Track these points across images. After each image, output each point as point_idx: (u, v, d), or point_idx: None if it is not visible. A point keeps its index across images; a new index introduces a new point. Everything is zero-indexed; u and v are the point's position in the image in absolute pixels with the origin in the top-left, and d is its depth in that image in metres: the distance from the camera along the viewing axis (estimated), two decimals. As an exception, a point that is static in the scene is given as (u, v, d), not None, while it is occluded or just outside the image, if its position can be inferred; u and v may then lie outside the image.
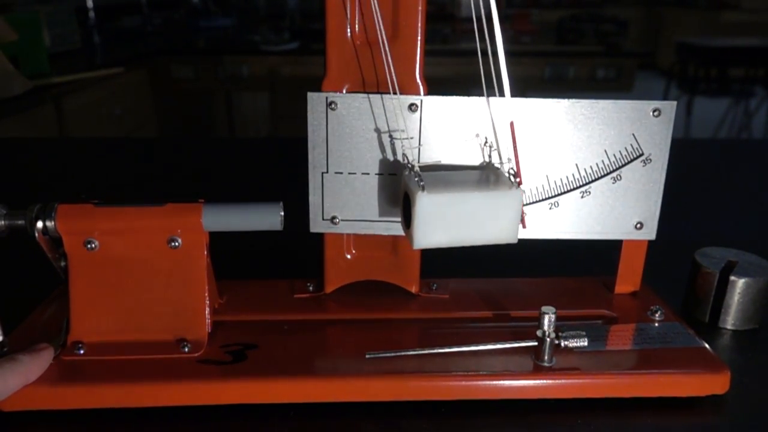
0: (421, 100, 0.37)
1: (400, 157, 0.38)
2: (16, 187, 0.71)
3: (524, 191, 0.38)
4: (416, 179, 0.33)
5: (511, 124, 0.36)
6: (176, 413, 0.33)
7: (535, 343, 0.35)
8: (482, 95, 0.37)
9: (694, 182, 0.75)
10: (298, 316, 0.40)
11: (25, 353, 0.33)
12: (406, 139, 0.37)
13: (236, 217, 0.36)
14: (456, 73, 2.19)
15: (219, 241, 0.37)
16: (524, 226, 0.39)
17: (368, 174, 0.38)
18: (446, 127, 0.37)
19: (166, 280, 0.36)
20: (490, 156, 0.37)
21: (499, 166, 0.37)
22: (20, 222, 0.35)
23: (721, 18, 4.81)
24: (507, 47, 0.34)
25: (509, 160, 0.37)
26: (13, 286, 0.48)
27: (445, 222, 0.33)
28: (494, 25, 0.33)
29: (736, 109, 3.22)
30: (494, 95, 0.36)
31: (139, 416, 0.33)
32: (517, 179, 0.37)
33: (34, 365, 0.33)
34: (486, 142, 0.37)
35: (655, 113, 0.37)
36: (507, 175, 0.35)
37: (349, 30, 0.36)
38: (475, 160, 0.38)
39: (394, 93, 0.36)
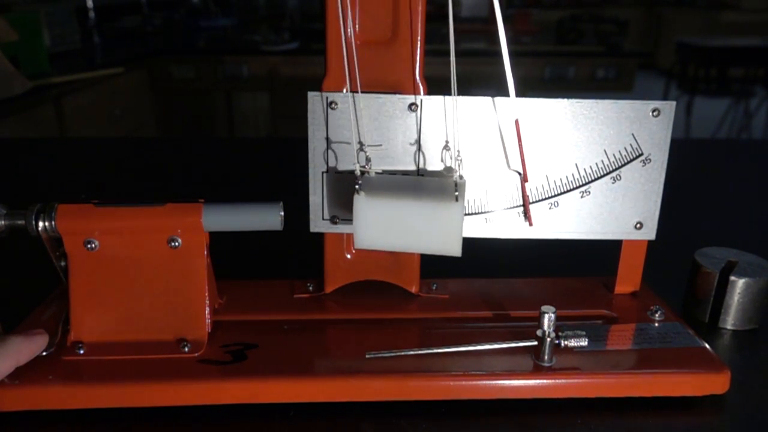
0: (421, 100, 0.37)
1: (400, 157, 0.38)
2: (16, 187, 0.71)
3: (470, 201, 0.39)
4: (358, 181, 0.34)
5: (516, 122, 0.37)
6: (176, 413, 0.33)
7: (535, 343, 0.35)
8: (482, 95, 0.37)
9: (694, 182, 0.75)
10: (298, 316, 0.40)
11: (16, 335, 0.33)
12: (413, 141, 0.37)
13: (236, 217, 0.36)
14: (456, 73, 2.19)
15: (219, 241, 0.37)
16: (531, 224, 0.39)
17: (368, 174, 0.38)
18: (446, 127, 0.37)
19: (166, 280, 0.36)
20: (458, 163, 0.37)
21: (457, 175, 0.37)
22: (20, 222, 0.35)
23: (721, 18, 4.81)
24: (507, 47, 0.34)
25: (459, 167, 0.37)
26: (13, 286, 0.48)
27: (384, 226, 0.34)
28: (498, 27, 0.33)
29: (736, 109, 3.22)
30: (498, 95, 0.36)
31: (139, 416, 0.33)
32: (523, 178, 0.37)
33: (25, 348, 0.33)
34: (446, 146, 0.37)
35: (655, 113, 0.37)
36: (454, 186, 0.35)
37: (349, 30, 0.36)
38: (478, 160, 0.38)
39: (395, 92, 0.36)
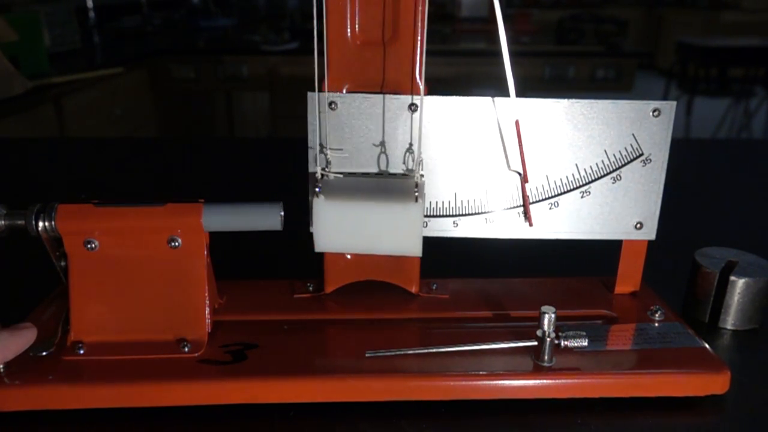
0: (421, 100, 0.37)
1: (400, 158, 0.38)
2: (16, 187, 0.71)
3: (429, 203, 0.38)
4: (318, 184, 0.34)
5: (517, 122, 0.37)
6: (176, 413, 0.33)
7: (535, 343, 0.35)
8: (482, 95, 0.37)
9: (694, 182, 0.75)
10: (298, 316, 0.40)
11: (2, 330, 0.33)
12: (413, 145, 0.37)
13: (236, 217, 0.36)
14: (456, 73, 2.19)
15: (219, 241, 0.37)
16: (531, 224, 0.39)
17: (368, 174, 0.38)
18: (446, 127, 0.37)
19: (166, 280, 0.36)
20: (417, 164, 0.37)
21: (416, 175, 0.37)
22: (20, 222, 0.35)
23: (721, 18, 4.81)
24: (507, 47, 0.34)
25: (420, 167, 0.37)
26: (13, 286, 0.48)
27: (344, 228, 0.35)
28: (499, 27, 0.33)
29: (736, 109, 3.22)
30: (498, 95, 0.36)
31: (139, 416, 0.33)
32: (523, 179, 0.37)
33: (11, 343, 0.33)
34: (409, 149, 0.37)
35: (655, 113, 0.37)
36: (413, 186, 0.35)
37: (349, 30, 0.36)
38: (478, 160, 0.38)
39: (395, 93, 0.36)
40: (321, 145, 0.37)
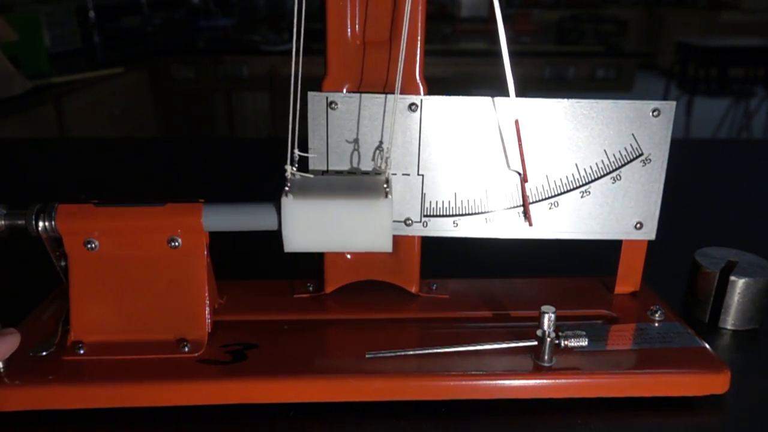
0: (421, 100, 0.37)
1: (399, 158, 0.38)
2: (16, 187, 0.71)
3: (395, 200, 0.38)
4: (287, 184, 0.34)
5: (516, 122, 0.37)
6: (176, 413, 0.33)
7: (535, 343, 0.35)
8: (482, 95, 0.37)
9: (694, 182, 0.75)
10: (298, 316, 0.40)
11: None
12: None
13: (236, 217, 0.36)
14: (456, 73, 2.19)
15: (219, 241, 0.37)
16: (531, 224, 0.39)
17: (368, 174, 0.38)
18: (446, 127, 0.37)
19: (166, 280, 0.36)
20: (385, 162, 0.37)
21: (387, 173, 0.37)
22: (20, 222, 0.35)
23: (721, 18, 4.82)
24: (507, 47, 0.34)
25: (387, 165, 0.37)
26: (13, 286, 0.48)
27: (313, 227, 0.34)
28: (498, 27, 0.33)
29: (736, 109, 3.22)
30: (498, 95, 0.36)
31: (139, 416, 0.33)
32: (523, 178, 0.37)
33: None
34: (379, 146, 0.37)
35: (655, 113, 0.37)
36: (383, 183, 0.35)
37: (349, 30, 0.36)
38: (478, 160, 0.38)
39: (397, 93, 0.36)
40: (292, 144, 0.37)
